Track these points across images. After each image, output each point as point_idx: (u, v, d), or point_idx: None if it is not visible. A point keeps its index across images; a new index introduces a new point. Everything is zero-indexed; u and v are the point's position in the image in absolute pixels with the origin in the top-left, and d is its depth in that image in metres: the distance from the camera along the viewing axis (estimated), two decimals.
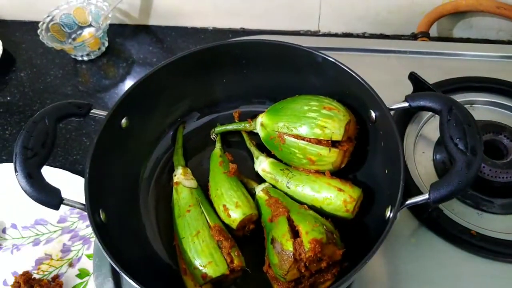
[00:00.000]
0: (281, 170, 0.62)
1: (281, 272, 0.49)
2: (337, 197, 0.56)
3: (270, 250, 0.52)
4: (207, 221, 0.57)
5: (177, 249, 0.56)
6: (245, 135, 0.68)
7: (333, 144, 0.57)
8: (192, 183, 0.62)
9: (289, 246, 0.49)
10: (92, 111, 0.55)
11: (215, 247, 0.53)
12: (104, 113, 0.55)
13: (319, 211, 0.57)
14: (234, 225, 0.56)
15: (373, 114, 0.57)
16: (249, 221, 0.58)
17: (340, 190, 0.57)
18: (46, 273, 0.66)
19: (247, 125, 0.67)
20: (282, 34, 0.96)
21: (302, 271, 0.49)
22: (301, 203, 0.58)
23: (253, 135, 0.67)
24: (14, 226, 0.71)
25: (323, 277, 0.51)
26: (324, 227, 0.51)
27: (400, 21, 0.91)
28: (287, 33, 0.97)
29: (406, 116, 0.73)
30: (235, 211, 0.56)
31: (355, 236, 0.56)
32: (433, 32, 0.91)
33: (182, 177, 0.62)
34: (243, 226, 0.58)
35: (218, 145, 0.67)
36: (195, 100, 0.68)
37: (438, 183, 0.46)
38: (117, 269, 0.45)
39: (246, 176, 0.64)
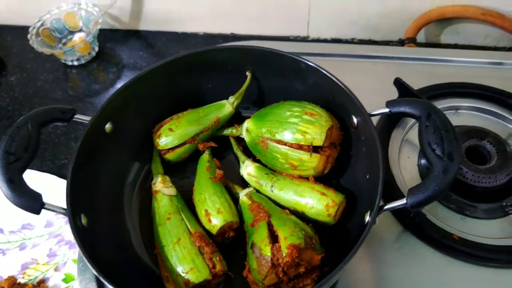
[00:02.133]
0: (265, 174, 0.62)
1: (259, 277, 0.50)
2: (319, 201, 0.57)
3: (250, 255, 0.52)
4: (188, 228, 0.57)
5: (159, 257, 0.56)
6: (232, 140, 0.68)
7: (315, 149, 0.57)
8: (172, 190, 0.62)
9: (267, 251, 0.49)
10: (76, 116, 0.56)
11: (196, 253, 0.54)
12: (88, 118, 0.56)
13: (302, 216, 0.57)
14: (214, 230, 0.57)
15: (354, 120, 0.57)
16: (230, 228, 0.58)
17: (323, 194, 0.57)
18: (31, 277, 0.66)
19: (233, 130, 0.68)
20: (272, 39, 0.97)
21: (280, 276, 0.49)
22: (284, 207, 0.59)
23: (241, 140, 0.68)
24: (1, 230, 0.71)
25: (302, 281, 0.51)
26: (303, 232, 0.51)
27: (389, 27, 0.92)
28: (276, 39, 0.97)
29: (392, 121, 0.73)
30: (216, 217, 0.57)
31: (337, 241, 0.57)
32: (421, 38, 0.92)
33: (161, 185, 0.62)
34: (223, 233, 0.58)
35: (207, 150, 0.67)
36: (181, 105, 0.68)
37: (416, 188, 0.46)
38: (96, 273, 0.45)
39: (232, 181, 0.64)
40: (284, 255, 0.48)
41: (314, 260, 0.50)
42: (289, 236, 0.49)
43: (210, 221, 0.57)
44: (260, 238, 0.51)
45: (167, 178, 0.63)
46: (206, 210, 0.58)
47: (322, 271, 0.53)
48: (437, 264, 0.60)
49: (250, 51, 0.64)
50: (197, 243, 0.54)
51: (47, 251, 0.69)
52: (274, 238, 0.51)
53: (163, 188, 0.61)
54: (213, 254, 0.54)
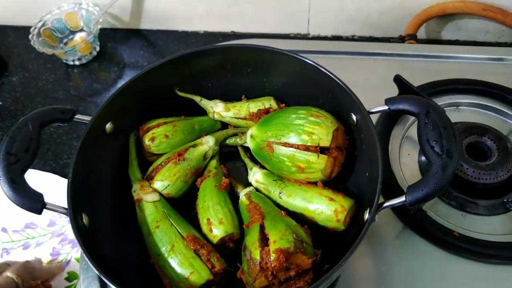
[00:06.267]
0: (273, 180, 0.61)
1: (249, 279, 0.50)
2: (328, 207, 0.56)
3: (242, 257, 0.52)
4: (179, 232, 0.55)
5: (156, 266, 0.55)
6: (239, 147, 0.67)
7: (322, 151, 0.56)
8: (154, 196, 0.59)
9: (256, 254, 0.49)
10: (76, 116, 0.56)
11: (193, 256, 0.53)
12: (88, 118, 0.56)
13: (311, 222, 0.57)
14: (214, 240, 0.56)
15: (354, 117, 0.57)
16: (230, 240, 0.57)
17: (331, 200, 0.56)
18: None
19: (237, 139, 0.67)
20: (272, 37, 0.97)
21: (270, 279, 0.49)
22: (293, 213, 0.58)
23: (247, 148, 0.67)
24: (4, 230, 0.72)
25: (294, 284, 0.50)
26: (294, 235, 0.50)
27: (389, 23, 0.92)
28: (277, 37, 0.97)
29: (392, 118, 0.73)
30: (217, 228, 0.56)
31: (338, 239, 0.57)
32: (422, 34, 0.92)
33: (141, 193, 0.59)
34: (223, 243, 0.57)
35: (215, 156, 0.66)
36: (181, 104, 0.68)
37: (415, 186, 0.46)
38: (97, 273, 0.46)
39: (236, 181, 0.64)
40: (272, 259, 0.48)
41: (305, 263, 0.50)
42: (278, 240, 0.49)
43: (211, 230, 0.56)
44: (251, 240, 0.51)
45: (146, 183, 0.61)
46: (208, 219, 0.57)
47: (322, 269, 0.53)
48: (438, 260, 0.60)
49: (248, 50, 0.64)
50: (191, 246, 0.53)
51: (51, 250, 0.70)
52: (265, 241, 0.51)
53: (144, 195, 0.59)
54: (210, 255, 0.53)
